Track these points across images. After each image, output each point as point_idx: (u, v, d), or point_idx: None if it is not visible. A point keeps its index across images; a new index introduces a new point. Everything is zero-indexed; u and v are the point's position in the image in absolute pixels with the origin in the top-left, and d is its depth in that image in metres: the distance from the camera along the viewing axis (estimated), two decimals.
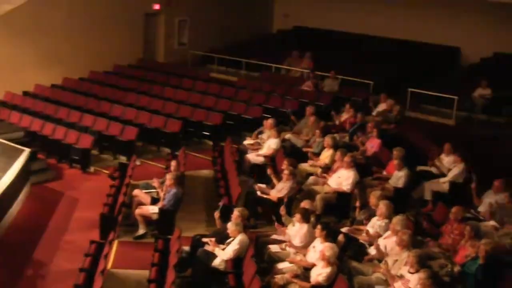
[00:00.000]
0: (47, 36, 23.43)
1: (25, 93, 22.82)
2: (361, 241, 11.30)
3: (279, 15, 33.10)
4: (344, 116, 18.56)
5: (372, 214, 11.88)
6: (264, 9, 32.78)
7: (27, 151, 16.08)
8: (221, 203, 12.58)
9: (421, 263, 9.46)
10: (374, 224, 11.51)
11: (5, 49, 22.36)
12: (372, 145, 16.00)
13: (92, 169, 17.56)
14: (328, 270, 9.74)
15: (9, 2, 21.89)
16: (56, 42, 23.72)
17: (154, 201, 13.44)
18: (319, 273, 9.83)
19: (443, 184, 14.44)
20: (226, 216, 11.91)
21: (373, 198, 11.99)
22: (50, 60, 23.67)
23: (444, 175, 14.72)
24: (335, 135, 16.57)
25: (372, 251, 10.88)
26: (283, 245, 11.23)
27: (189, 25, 29.30)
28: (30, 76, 22.99)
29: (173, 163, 14.39)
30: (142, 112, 20.12)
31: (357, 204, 12.82)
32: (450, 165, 14.88)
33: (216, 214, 12.18)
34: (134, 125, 18.82)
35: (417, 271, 9.32)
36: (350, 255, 10.84)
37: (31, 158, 16.32)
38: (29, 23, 22.84)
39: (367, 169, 15.02)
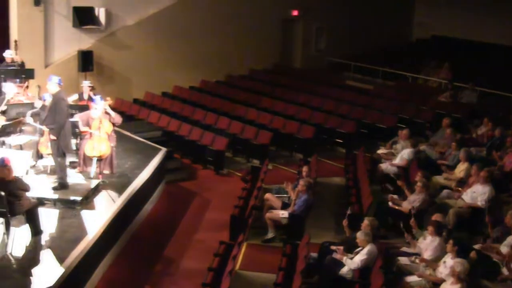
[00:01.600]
0: (187, 39, 24.09)
1: (164, 94, 23.50)
2: (494, 259, 10.91)
3: (418, 24, 32.56)
4: (482, 129, 17.98)
5: (507, 232, 11.45)
6: (403, 18, 32.30)
7: (163, 150, 16.50)
8: (349, 211, 12.46)
9: None
10: (509, 243, 11.09)
11: (147, 51, 23.16)
12: (511, 160, 15.42)
13: (225, 171, 17.84)
14: (457, 287, 9.45)
15: (155, 4, 22.65)
16: (195, 45, 24.33)
17: (285, 205, 13.50)
18: None
19: None
20: (355, 225, 11.79)
21: (509, 217, 11.54)
22: (189, 62, 24.32)
23: None
24: (472, 148, 16.10)
25: (505, 270, 10.49)
26: (412, 258, 11.02)
27: (326, 32, 29.29)
28: (169, 78, 23.70)
29: (305, 169, 14.41)
30: (277, 117, 20.27)
31: (487, 220, 12.33)
32: None
33: (345, 222, 12.09)
34: (268, 129, 18.98)
35: None
36: (482, 273, 10.49)
37: (167, 157, 16.73)
38: (170, 26, 23.55)
39: (504, 185, 14.48)
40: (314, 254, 11.40)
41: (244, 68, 26.35)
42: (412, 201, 13.07)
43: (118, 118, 14.69)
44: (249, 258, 12.52)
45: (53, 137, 12.76)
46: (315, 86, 24.54)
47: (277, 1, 27.03)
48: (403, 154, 15.86)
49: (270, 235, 13.14)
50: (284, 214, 13.09)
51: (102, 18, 22.25)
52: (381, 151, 17.07)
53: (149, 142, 17.20)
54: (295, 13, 27.87)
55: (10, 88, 16.55)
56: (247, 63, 26.35)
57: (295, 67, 28.47)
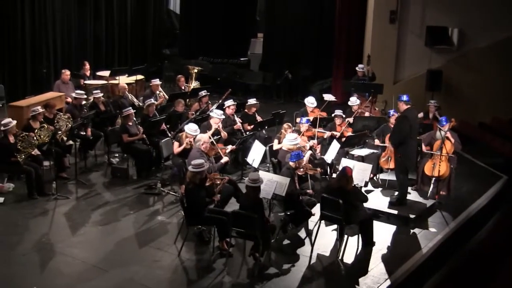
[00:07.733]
0: None
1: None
2: None
3: None
4: None
5: None
6: None
7: (504, 178, 16.03)
8: None
9: None
10: None
11: (496, 75, 22.37)
12: None
13: None
14: None
15: (509, 28, 22.09)
16: None
17: None
18: None
19: None
20: None
21: None
22: None
23: None
24: None
25: None
26: None
27: None
28: None
29: None
30: None
31: None
32: None
33: None
34: None
35: None
36: None
37: (508, 186, 16.20)
38: None
39: None
40: None
41: None
42: None
43: (458, 146, 14.63)
44: None
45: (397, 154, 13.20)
46: None
47: None
48: None
49: None
50: None
51: (454, 38, 22.18)
52: None
53: (490, 168, 16.81)
54: None
55: (354, 101, 17.32)
56: None
57: None
